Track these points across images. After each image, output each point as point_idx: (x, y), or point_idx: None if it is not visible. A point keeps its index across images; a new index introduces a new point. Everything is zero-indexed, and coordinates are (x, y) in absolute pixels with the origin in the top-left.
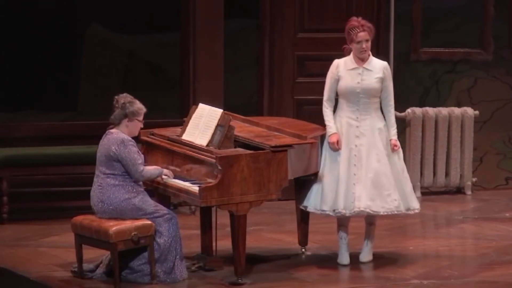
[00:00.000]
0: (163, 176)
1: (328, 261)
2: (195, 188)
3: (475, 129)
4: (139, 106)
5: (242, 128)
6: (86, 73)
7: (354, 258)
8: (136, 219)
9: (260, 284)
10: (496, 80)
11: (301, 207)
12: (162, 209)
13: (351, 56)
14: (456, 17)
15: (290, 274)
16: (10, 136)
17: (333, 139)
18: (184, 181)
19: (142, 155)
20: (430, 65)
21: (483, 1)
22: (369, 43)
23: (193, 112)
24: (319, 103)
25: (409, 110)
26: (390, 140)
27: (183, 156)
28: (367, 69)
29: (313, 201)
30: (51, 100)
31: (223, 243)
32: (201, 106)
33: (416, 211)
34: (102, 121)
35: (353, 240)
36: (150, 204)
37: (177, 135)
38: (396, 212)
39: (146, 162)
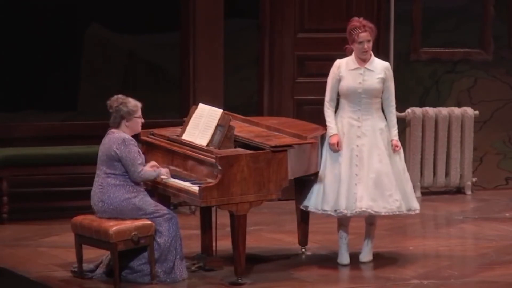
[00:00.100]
0: (162, 176)
1: (328, 261)
2: (195, 188)
3: (475, 129)
4: (133, 104)
5: (242, 128)
6: (86, 73)
7: (354, 258)
8: (136, 219)
9: (260, 284)
10: (496, 80)
11: (301, 207)
12: (162, 209)
13: (352, 56)
14: (456, 17)
15: (290, 274)
16: (10, 136)
17: (334, 140)
18: (184, 181)
19: (143, 155)
20: (430, 65)
21: (483, 1)
22: (371, 44)
23: (193, 112)
24: (319, 103)
25: (409, 110)
26: (392, 140)
27: (183, 156)
28: (368, 70)
29: (314, 201)
30: (51, 100)
31: (223, 243)
32: (201, 106)
33: (417, 211)
34: (102, 121)
35: (353, 240)
36: (150, 204)
37: (177, 135)
38: (397, 213)
39: (146, 162)
